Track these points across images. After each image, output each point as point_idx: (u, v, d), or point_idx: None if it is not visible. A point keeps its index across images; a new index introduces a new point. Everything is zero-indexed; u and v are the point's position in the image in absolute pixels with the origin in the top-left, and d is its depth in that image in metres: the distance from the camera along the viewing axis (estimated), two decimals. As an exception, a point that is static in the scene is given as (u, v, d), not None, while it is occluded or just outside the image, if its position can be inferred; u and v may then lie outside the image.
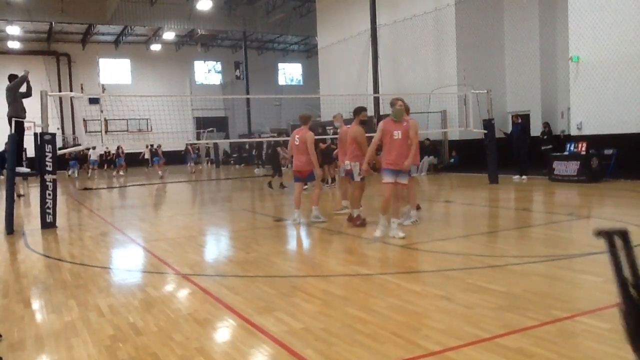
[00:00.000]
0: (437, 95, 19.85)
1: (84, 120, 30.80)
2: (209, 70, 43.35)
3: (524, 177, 15.07)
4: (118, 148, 29.98)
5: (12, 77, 10.31)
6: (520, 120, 15.73)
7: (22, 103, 10.14)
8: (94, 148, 27.89)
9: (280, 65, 44.97)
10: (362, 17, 23.40)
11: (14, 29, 32.03)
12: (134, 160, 30.84)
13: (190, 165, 28.44)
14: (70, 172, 27.34)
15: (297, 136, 8.99)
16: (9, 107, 10.05)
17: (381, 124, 7.28)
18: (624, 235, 1.50)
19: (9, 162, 9.52)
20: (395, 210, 7.27)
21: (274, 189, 15.63)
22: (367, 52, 23.15)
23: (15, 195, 11.43)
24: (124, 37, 37.02)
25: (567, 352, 3.28)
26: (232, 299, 4.76)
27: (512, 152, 15.42)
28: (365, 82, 22.84)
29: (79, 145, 24.45)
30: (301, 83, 45.31)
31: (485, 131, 15.00)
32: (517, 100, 20.64)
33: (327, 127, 17.27)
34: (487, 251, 6.38)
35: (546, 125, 17.20)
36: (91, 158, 28.02)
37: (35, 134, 9.90)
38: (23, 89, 10.26)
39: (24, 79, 10.14)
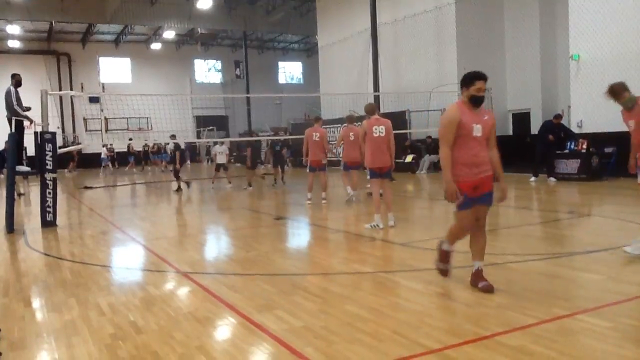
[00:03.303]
0: (437, 94, 19.83)
1: (84, 119, 30.83)
2: (209, 69, 43.33)
3: (551, 179, 14.26)
4: (128, 146, 30.29)
5: (14, 76, 10.26)
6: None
7: (21, 104, 10.12)
8: (104, 146, 27.76)
9: (281, 64, 44.95)
10: (362, 16, 23.37)
11: (14, 29, 32.02)
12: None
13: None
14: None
15: (382, 126, 8.05)
16: (7, 109, 10.01)
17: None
18: None
19: (9, 161, 9.53)
20: None
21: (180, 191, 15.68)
22: (367, 50, 23.13)
23: (15, 194, 11.42)
24: (124, 36, 37.00)
25: (567, 350, 3.28)
26: (232, 297, 4.76)
27: (538, 152, 14.65)
28: (366, 80, 22.82)
29: (79, 144, 24.47)
30: (301, 82, 45.28)
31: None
32: (518, 99, 20.63)
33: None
34: (487, 249, 6.34)
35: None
36: (101, 156, 27.91)
37: (36, 133, 9.90)
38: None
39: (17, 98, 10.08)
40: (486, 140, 4.69)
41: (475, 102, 4.58)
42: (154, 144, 29.96)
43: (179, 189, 15.82)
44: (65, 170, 28.92)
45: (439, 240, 5.05)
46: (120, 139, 33.66)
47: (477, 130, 4.57)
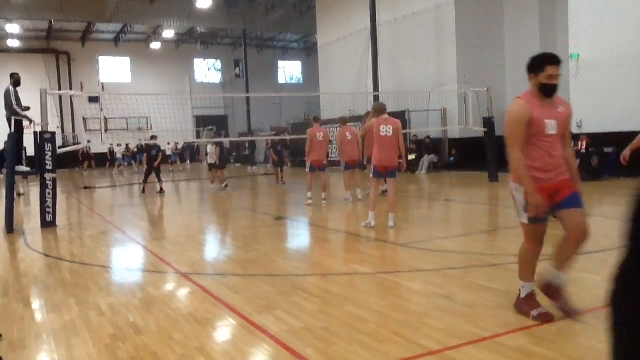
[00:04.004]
0: (437, 94, 19.83)
1: (83, 118, 30.82)
2: (209, 69, 43.32)
3: None
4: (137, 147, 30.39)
5: (13, 76, 10.24)
6: None
7: (21, 104, 10.10)
8: (118, 145, 27.41)
9: (280, 64, 44.93)
10: (362, 15, 23.37)
11: (13, 27, 31.98)
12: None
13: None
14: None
15: (390, 126, 7.95)
16: (7, 108, 9.98)
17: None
18: None
19: (8, 161, 9.51)
20: None
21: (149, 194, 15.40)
22: (367, 50, 23.13)
23: (15, 194, 11.41)
24: (123, 35, 36.99)
25: (567, 351, 3.28)
26: (232, 298, 4.75)
27: None
28: (365, 80, 22.82)
29: (79, 143, 24.42)
30: (301, 81, 45.27)
31: (485, 129, 14.97)
32: (517, 98, 20.64)
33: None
34: (487, 249, 6.37)
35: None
36: (117, 156, 27.75)
37: (35, 133, 9.88)
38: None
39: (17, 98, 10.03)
40: (561, 137, 3.83)
41: (548, 91, 3.83)
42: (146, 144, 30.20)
43: (144, 191, 15.45)
44: (83, 169, 29.01)
45: (543, 279, 3.94)
46: (120, 138, 33.62)
47: (551, 127, 3.73)
